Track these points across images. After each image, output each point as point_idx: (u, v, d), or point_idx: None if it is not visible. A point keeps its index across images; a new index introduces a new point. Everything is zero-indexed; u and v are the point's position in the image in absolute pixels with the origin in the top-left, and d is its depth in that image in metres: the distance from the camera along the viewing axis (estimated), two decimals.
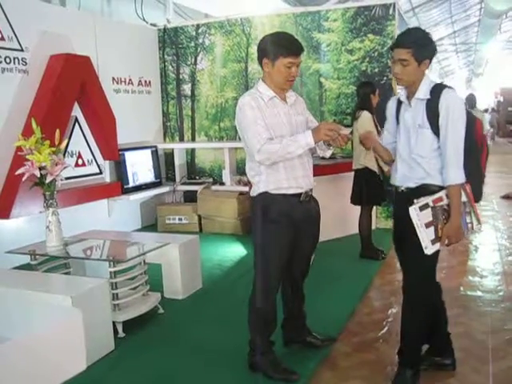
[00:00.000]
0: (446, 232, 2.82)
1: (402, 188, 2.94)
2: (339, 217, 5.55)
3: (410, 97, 2.91)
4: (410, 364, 3.05)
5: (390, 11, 6.57)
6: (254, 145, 2.91)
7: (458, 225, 2.83)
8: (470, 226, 2.92)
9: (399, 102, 3.01)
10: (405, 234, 2.91)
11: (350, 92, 6.86)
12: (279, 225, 3.03)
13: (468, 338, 3.72)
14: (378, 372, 3.26)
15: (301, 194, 3.09)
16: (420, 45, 2.75)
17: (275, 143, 2.88)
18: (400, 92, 3.03)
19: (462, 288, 4.75)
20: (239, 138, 7.47)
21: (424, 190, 2.84)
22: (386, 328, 3.90)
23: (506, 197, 9.51)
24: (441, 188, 2.82)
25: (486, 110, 15.19)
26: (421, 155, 2.85)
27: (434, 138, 2.81)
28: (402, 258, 3.09)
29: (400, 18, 6.93)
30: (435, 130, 2.79)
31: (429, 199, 2.78)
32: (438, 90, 2.80)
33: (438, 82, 2.99)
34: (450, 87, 2.83)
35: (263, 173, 3.04)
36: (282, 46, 2.93)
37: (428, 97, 2.81)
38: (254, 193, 3.13)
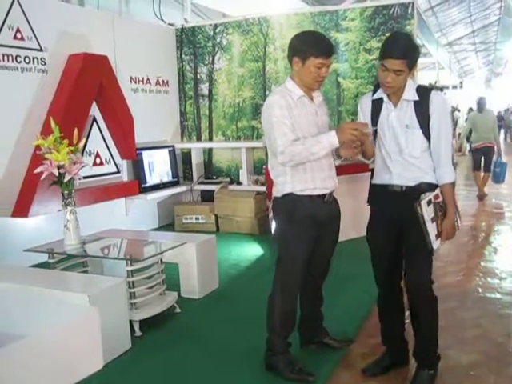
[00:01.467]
0: (444, 227, 2.87)
1: (403, 187, 2.91)
2: (356, 217, 5.53)
3: (392, 98, 2.90)
4: (428, 365, 3.03)
5: (409, 10, 6.51)
6: (279, 145, 2.87)
7: (454, 220, 2.91)
8: (458, 223, 2.99)
9: (376, 102, 2.98)
10: (407, 232, 2.92)
11: (367, 92, 6.81)
12: (304, 226, 3.02)
13: (487, 340, 3.68)
14: (395, 373, 3.24)
15: (325, 194, 3.07)
16: (412, 54, 2.77)
17: (298, 145, 2.85)
18: (378, 92, 2.97)
19: (480, 290, 4.71)
20: (256, 138, 7.58)
21: (423, 187, 2.86)
22: None
23: None
24: (436, 185, 2.87)
25: (471, 109, 15.21)
26: (413, 155, 2.87)
27: (424, 139, 2.85)
28: (407, 257, 3.01)
29: (419, 17, 6.88)
30: (425, 130, 2.83)
31: (431, 195, 2.80)
32: (425, 91, 2.87)
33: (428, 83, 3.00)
34: (435, 89, 2.87)
35: (288, 173, 3.01)
36: (313, 46, 2.90)
37: (416, 98, 2.84)
38: (278, 193, 3.10)
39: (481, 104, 9.82)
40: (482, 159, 9.70)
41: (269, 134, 2.97)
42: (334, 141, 2.83)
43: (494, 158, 9.67)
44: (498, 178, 9.74)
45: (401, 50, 2.71)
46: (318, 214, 3.05)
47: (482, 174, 9.81)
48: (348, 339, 3.63)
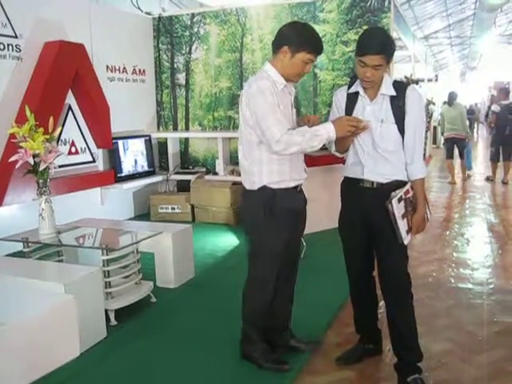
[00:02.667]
0: (415, 222, 2.92)
1: (374, 183, 2.93)
2: (329, 208, 5.56)
3: (368, 92, 2.91)
4: (418, 368, 3.01)
5: (386, 3, 6.55)
6: (274, 133, 2.79)
7: (424, 215, 2.97)
8: (428, 216, 3.04)
9: (351, 96, 2.99)
10: (378, 228, 2.95)
11: (344, 83, 6.84)
12: (283, 219, 2.99)
13: (458, 329, 3.75)
14: (369, 362, 3.29)
15: (298, 185, 3.08)
16: (389, 48, 2.79)
17: (297, 135, 2.80)
18: (354, 86, 2.97)
19: (452, 280, 4.79)
20: (233, 128, 7.58)
21: (395, 184, 2.88)
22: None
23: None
24: (405, 182, 2.91)
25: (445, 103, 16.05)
26: (388, 150, 2.88)
27: (398, 134, 2.87)
28: (379, 249, 3.03)
29: (395, 10, 6.93)
30: (400, 126, 2.86)
31: (401, 192, 2.84)
32: (401, 86, 2.90)
33: (402, 77, 3.03)
34: (410, 84, 2.89)
35: (264, 163, 2.95)
36: (308, 42, 2.86)
37: (394, 93, 2.86)
38: (252, 186, 3.01)
39: (451, 98, 10.70)
40: (455, 148, 10.67)
41: (259, 121, 2.85)
42: (332, 135, 2.81)
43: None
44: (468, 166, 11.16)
45: (379, 45, 2.73)
46: (295, 205, 3.06)
47: (459, 161, 11.01)
48: (315, 341, 3.55)
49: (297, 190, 3.08)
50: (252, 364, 3.20)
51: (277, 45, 2.94)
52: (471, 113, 21.41)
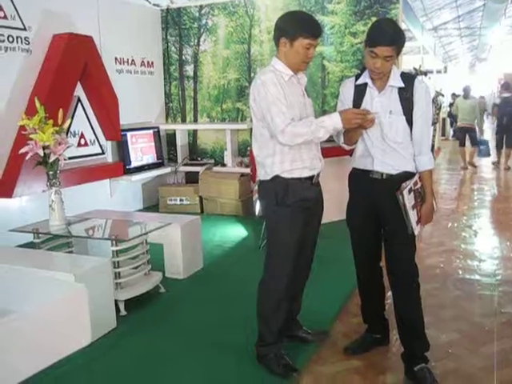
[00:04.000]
0: (423, 213, 2.95)
1: (383, 175, 2.94)
2: (339, 200, 5.58)
3: (377, 83, 2.92)
4: (424, 358, 3.02)
5: None
6: (277, 124, 2.79)
7: (432, 205, 2.99)
8: (435, 207, 3.06)
9: (359, 87, 2.99)
10: (387, 219, 2.96)
11: (352, 75, 6.84)
12: (295, 210, 2.96)
13: (465, 320, 3.76)
14: (376, 351, 3.31)
15: (313, 176, 3.03)
16: (400, 39, 2.80)
17: (302, 126, 2.80)
18: (362, 77, 2.98)
19: (460, 272, 4.80)
20: (241, 120, 7.60)
21: (403, 176, 2.89)
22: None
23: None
24: (413, 173, 2.92)
25: (453, 94, 18.23)
26: (396, 141, 2.89)
27: (407, 125, 2.88)
28: (387, 240, 3.05)
29: (404, 2, 6.91)
30: (408, 117, 2.87)
31: (411, 183, 2.86)
32: (409, 78, 2.91)
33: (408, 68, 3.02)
34: (418, 76, 2.89)
35: (277, 153, 2.93)
36: (302, 27, 2.84)
37: (402, 85, 2.87)
38: (266, 176, 3.01)
39: (466, 91, 12.06)
40: (467, 136, 11.83)
41: (264, 113, 2.86)
42: (338, 126, 2.81)
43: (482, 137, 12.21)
44: (482, 153, 12.01)
45: (390, 36, 2.73)
46: (308, 196, 3.00)
47: (471, 149, 12.01)
48: (323, 331, 3.56)
49: (312, 182, 3.03)
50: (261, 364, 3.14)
51: (276, 39, 2.95)
52: None
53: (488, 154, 12.14)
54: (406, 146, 2.91)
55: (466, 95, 11.97)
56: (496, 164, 11.86)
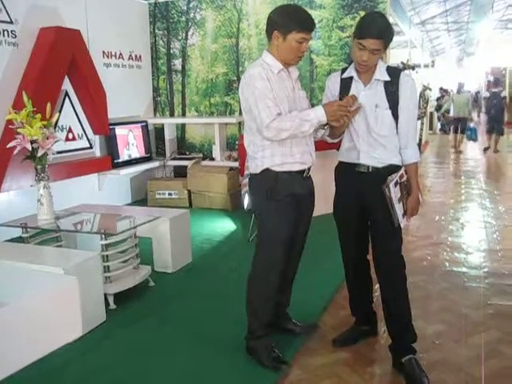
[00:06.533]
0: (409, 205, 2.98)
1: (369, 168, 2.96)
2: (327, 193, 5.60)
3: (363, 77, 2.94)
4: (412, 349, 3.04)
5: None
6: (263, 119, 2.78)
7: (418, 198, 3.01)
8: (421, 199, 3.09)
9: (345, 81, 3.01)
10: (374, 211, 2.99)
11: (341, 69, 6.85)
12: (285, 204, 2.95)
13: (451, 311, 3.80)
14: (364, 343, 3.34)
15: (304, 170, 3.03)
16: (389, 33, 2.82)
17: (286, 121, 2.79)
18: (348, 71, 3.01)
19: (447, 264, 4.84)
20: (229, 114, 7.59)
21: (389, 169, 2.92)
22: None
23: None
24: (399, 167, 2.95)
25: (441, 89, 20.41)
26: (382, 135, 2.91)
27: (392, 119, 2.91)
28: (374, 232, 3.07)
29: None
30: (394, 111, 2.89)
31: (397, 176, 2.88)
32: (395, 72, 2.94)
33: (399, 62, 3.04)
34: (404, 70, 2.92)
35: (267, 147, 2.92)
36: (296, 21, 2.82)
37: (388, 78, 2.89)
38: (256, 169, 3.00)
39: (459, 87, 14.70)
40: (459, 126, 14.03)
41: (251, 107, 2.86)
42: (322, 120, 2.80)
43: (471, 125, 14.66)
44: (471, 137, 14.47)
45: (379, 29, 2.75)
46: (297, 190, 3.00)
47: (459, 136, 14.12)
48: (312, 324, 3.58)
49: (302, 176, 3.03)
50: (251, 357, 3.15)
51: (268, 31, 2.93)
52: (474, 100, 23.97)
53: (475, 139, 14.64)
54: (392, 140, 2.94)
55: (458, 90, 14.52)
56: (487, 148, 13.63)
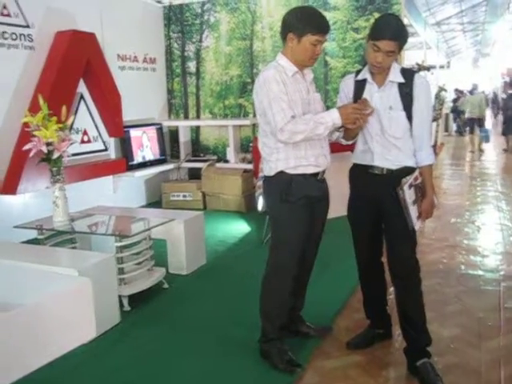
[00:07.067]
0: (424, 208, 2.94)
1: (383, 170, 2.95)
2: (344, 195, 5.59)
3: (377, 79, 2.92)
4: (427, 352, 3.02)
5: None
6: (277, 122, 2.78)
7: (433, 200, 2.97)
8: (435, 201, 3.05)
9: (359, 83, 3.00)
10: (388, 214, 2.97)
11: (355, 71, 6.84)
12: (299, 206, 2.94)
13: (467, 315, 3.77)
14: (378, 346, 3.32)
15: (318, 172, 3.02)
16: (404, 35, 2.81)
17: (301, 123, 2.78)
18: (362, 73, 3.00)
19: (463, 267, 4.80)
20: (243, 116, 7.59)
21: (404, 171, 2.90)
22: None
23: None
24: (414, 169, 2.92)
25: (456, 90, 20.07)
26: (396, 136, 2.89)
27: (406, 120, 2.89)
28: (388, 235, 3.06)
29: None
30: (408, 112, 2.87)
31: (411, 178, 2.86)
32: (409, 74, 2.92)
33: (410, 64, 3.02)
34: (419, 71, 2.90)
35: (281, 150, 2.92)
36: (311, 23, 2.82)
37: (402, 80, 2.87)
38: (270, 172, 3.00)
39: (473, 88, 16.48)
40: (475, 125, 14.30)
41: (265, 110, 2.86)
42: (337, 122, 2.80)
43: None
44: (483, 139, 14.37)
45: (394, 31, 2.74)
46: (311, 193, 2.99)
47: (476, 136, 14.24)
48: (326, 326, 3.57)
49: (316, 178, 3.02)
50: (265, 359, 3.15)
51: (283, 33, 2.93)
52: (493, 101, 24.45)
53: (488, 140, 14.72)
54: (406, 142, 2.92)
55: (472, 92, 15.60)
56: (505, 149, 13.83)
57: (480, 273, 4.65)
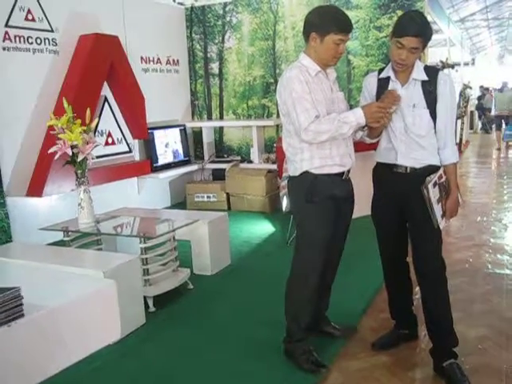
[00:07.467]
0: (448, 206, 2.91)
1: (407, 168, 2.92)
2: (369, 195, 5.56)
3: (400, 77, 2.90)
4: (453, 353, 2.99)
5: None
6: (301, 122, 2.77)
7: (457, 199, 2.95)
8: (460, 200, 3.03)
9: (382, 81, 2.98)
10: (413, 213, 2.95)
11: (378, 69, 6.79)
12: (323, 206, 2.93)
13: (495, 315, 3.72)
14: (404, 347, 3.29)
15: (343, 172, 3.01)
16: (428, 32, 2.78)
17: (325, 123, 2.77)
18: (385, 71, 2.98)
19: (489, 266, 4.74)
20: (267, 116, 7.59)
21: (428, 169, 2.87)
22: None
23: None
24: (438, 167, 2.89)
25: (481, 87, 19.88)
26: (420, 134, 2.87)
27: (430, 118, 2.86)
28: (413, 234, 3.03)
29: None
30: (432, 110, 2.84)
31: (435, 177, 2.83)
32: (432, 71, 2.89)
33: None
34: (443, 69, 2.87)
35: (306, 150, 2.91)
36: (334, 22, 2.79)
37: (426, 78, 2.85)
38: (295, 172, 3.00)
39: (502, 86, 15.79)
40: (503, 122, 14.51)
41: (289, 110, 2.86)
42: (361, 121, 2.79)
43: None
44: (506, 137, 14.39)
45: (418, 27, 2.71)
46: (336, 192, 2.98)
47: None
48: (351, 326, 3.55)
49: (341, 178, 3.01)
50: (290, 360, 3.14)
51: (305, 33, 2.92)
52: None
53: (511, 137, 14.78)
54: (430, 140, 2.89)
55: (501, 89, 15.35)
56: None
57: (507, 272, 4.59)
